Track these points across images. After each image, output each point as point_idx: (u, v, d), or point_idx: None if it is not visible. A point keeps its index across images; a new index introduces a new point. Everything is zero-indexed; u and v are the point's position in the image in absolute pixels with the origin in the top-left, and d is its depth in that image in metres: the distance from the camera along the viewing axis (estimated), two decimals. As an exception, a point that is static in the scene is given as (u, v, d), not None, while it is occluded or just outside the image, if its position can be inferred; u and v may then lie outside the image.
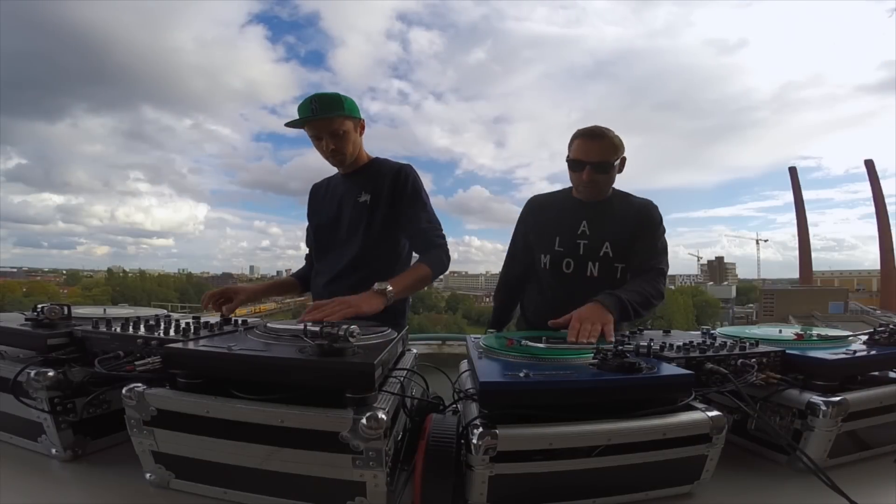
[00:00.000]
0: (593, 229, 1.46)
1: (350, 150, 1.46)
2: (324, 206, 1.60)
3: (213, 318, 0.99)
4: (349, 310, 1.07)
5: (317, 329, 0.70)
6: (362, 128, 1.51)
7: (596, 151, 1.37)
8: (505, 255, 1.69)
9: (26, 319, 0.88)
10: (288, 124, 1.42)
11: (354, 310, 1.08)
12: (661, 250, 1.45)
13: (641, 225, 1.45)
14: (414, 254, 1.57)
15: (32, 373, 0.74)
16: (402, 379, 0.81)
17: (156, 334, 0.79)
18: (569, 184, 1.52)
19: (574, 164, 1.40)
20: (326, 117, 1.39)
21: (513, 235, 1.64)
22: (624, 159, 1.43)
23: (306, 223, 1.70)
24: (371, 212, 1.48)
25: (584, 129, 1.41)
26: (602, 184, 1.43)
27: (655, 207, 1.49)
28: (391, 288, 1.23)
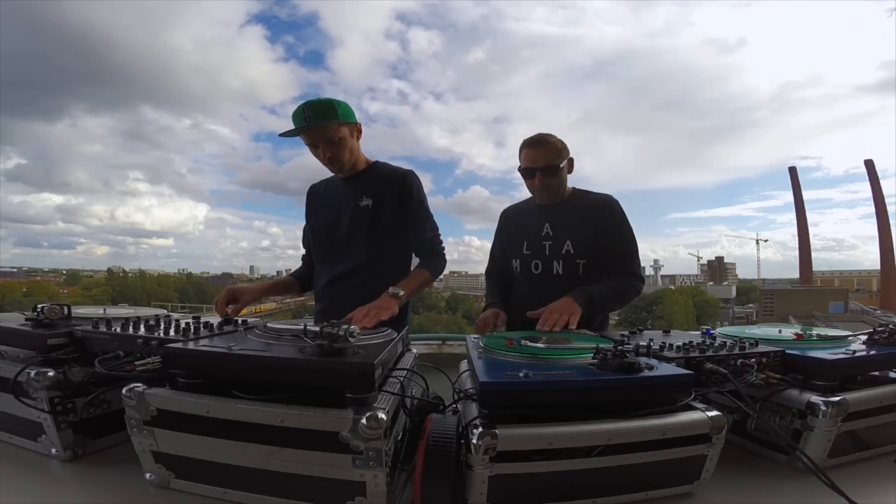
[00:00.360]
0: (556, 230, 1.56)
1: (347, 156, 1.46)
2: (323, 209, 1.60)
3: (213, 318, 1.00)
4: (383, 313, 1.15)
5: (317, 329, 0.70)
6: (359, 132, 1.50)
7: (542, 157, 1.48)
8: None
9: (26, 319, 0.88)
10: (283, 134, 1.42)
11: (387, 314, 1.16)
12: (630, 249, 1.54)
13: (603, 219, 1.53)
14: (414, 256, 1.60)
15: (32, 373, 0.74)
16: (402, 379, 0.81)
17: (156, 334, 0.79)
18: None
19: (525, 172, 1.51)
20: (320, 126, 1.38)
21: (491, 246, 1.78)
22: (571, 161, 1.54)
23: (305, 223, 1.70)
24: (373, 216, 1.49)
25: (528, 139, 1.51)
26: (554, 186, 1.52)
27: (615, 200, 1.57)
28: (402, 292, 1.28)
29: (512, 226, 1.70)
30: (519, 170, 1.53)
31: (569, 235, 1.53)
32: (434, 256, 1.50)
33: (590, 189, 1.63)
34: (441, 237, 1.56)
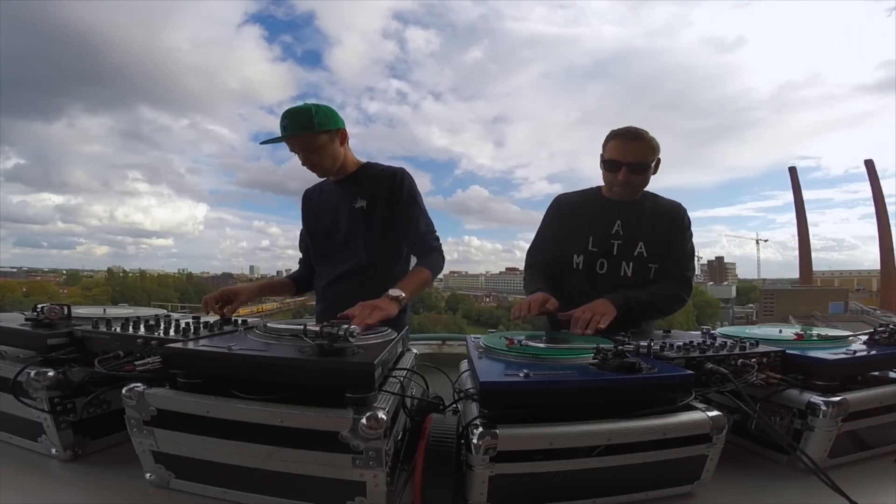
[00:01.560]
0: (627, 229, 1.45)
1: (328, 163, 1.46)
2: (319, 213, 1.62)
3: (213, 318, 0.99)
4: (382, 313, 1.12)
5: (317, 329, 0.70)
6: (343, 136, 1.49)
7: (633, 152, 1.37)
8: (528, 248, 1.63)
9: (26, 319, 0.88)
10: (263, 142, 1.46)
11: (386, 313, 1.13)
12: (689, 255, 1.47)
13: (674, 226, 1.46)
14: (412, 256, 1.59)
15: (32, 373, 0.74)
16: (402, 379, 0.81)
17: (156, 334, 0.79)
18: (598, 183, 1.51)
19: (610, 164, 1.39)
20: (296, 135, 1.39)
21: (539, 231, 1.60)
22: (659, 161, 1.42)
23: (302, 228, 1.71)
24: (368, 217, 1.50)
25: (620, 130, 1.40)
26: (638, 185, 1.43)
27: (685, 210, 1.50)
28: (403, 294, 1.27)
29: (573, 217, 1.53)
30: (603, 160, 1.42)
31: (641, 237, 1.43)
32: (429, 251, 1.49)
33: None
34: (436, 232, 1.54)
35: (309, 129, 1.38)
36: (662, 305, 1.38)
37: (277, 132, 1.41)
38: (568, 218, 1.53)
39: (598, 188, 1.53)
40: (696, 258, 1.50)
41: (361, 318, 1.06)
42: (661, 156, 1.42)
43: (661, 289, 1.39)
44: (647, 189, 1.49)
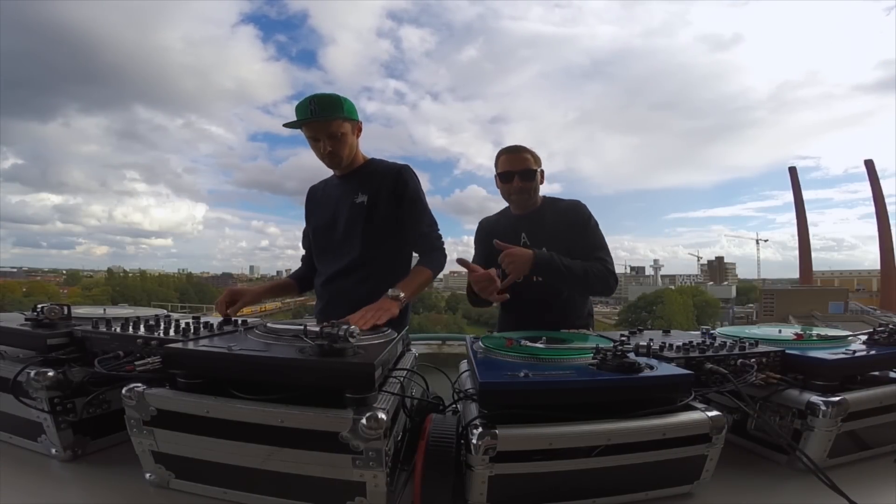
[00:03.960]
0: (532, 238, 1.62)
1: (346, 152, 1.48)
2: (321, 209, 1.62)
3: (214, 318, 0.99)
4: (386, 315, 1.13)
5: (317, 329, 0.70)
6: (359, 130, 1.52)
7: (519, 162, 1.58)
8: None
9: (26, 319, 0.88)
10: (286, 125, 1.42)
11: (389, 314, 1.14)
12: (600, 245, 1.58)
13: (573, 223, 1.60)
14: (413, 253, 1.59)
15: (32, 373, 0.74)
16: (402, 379, 0.81)
17: (156, 334, 0.79)
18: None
19: (504, 175, 1.60)
20: (325, 119, 1.39)
21: (474, 255, 1.79)
22: (542, 171, 1.64)
23: (304, 223, 1.71)
24: (368, 212, 1.49)
25: (504, 147, 1.63)
26: (531, 191, 1.61)
27: (583, 205, 1.66)
28: (403, 294, 1.27)
29: (490, 236, 1.63)
30: (497, 175, 1.62)
31: (544, 242, 1.56)
32: (431, 251, 1.49)
33: (558, 195, 1.71)
34: (440, 232, 1.56)
35: (338, 114, 1.40)
36: (584, 273, 1.44)
37: (275, 131, 1.47)
38: (486, 239, 1.68)
39: (508, 207, 1.72)
40: (607, 247, 1.60)
41: (357, 321, 1.06)
42: (542, 168, 1.62)
43: (586, 263, 1.47)
44: (547, 195, 1.69)
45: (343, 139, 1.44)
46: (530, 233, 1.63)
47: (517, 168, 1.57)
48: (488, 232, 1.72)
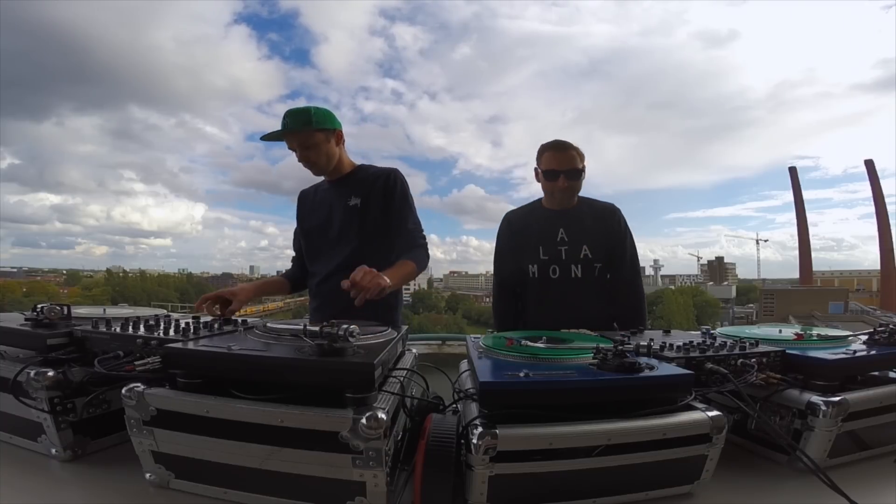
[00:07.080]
0: (570, 235, 1.62)
1: (324, 161, 1.54)
2: (314, 211, 1.67)
3: (213, 319, 0.99)
4: (383, 281, 1.17)
5: (316, 329, 0.70)
6: (339, 137, 1.57)
7: (567, 160, 1.56)
8: (494, 267, 1.80)
9: (26, 319, 0.88)
10: (263, 138, 1.52)
11: (383, 282, 1.17)
12: (632, 256, 1.65)
13: (611, 231, 1.63)
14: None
15: (32, 373, 0.74)
16: (402, 379, 0.81)
17: (156, 334, 0.79)
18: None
19: (549, 174, 1.58)
20: (295, 131, 1.47)
21: (496, 249, 1.76)
22: (585, 167, 1.61)
23: (296, 227, 1.75)
24: (362, 215, 1.55)
25: (551, 143, 1.60)
26: (575, 190, 1.61)
27: (620, 213, 1.68)
28: (388, 280, 1.27)
29: (523, 231, 1.70)
30: (541, 171, 1.60)
31: (584, 240, 1.58)
32: (414, 247, 1.53)
33: (587, 191, 1.70)
34: (423, 231, 1.60)
35: (307, 126, 1.46)
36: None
37: (271, 130, 1.49)
38: (518, 233, 1.70)
39: (539, 201, 1.72)
40: (637, 255, 1.68)
41: (364, 280, 1.11)
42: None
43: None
44: (581, 195, 1.68)
45: (316, 148, 1.51)
46: (569, 229, 1.62)
47: (564, 167, 1.56)
48: (518, 226, 1.71)
